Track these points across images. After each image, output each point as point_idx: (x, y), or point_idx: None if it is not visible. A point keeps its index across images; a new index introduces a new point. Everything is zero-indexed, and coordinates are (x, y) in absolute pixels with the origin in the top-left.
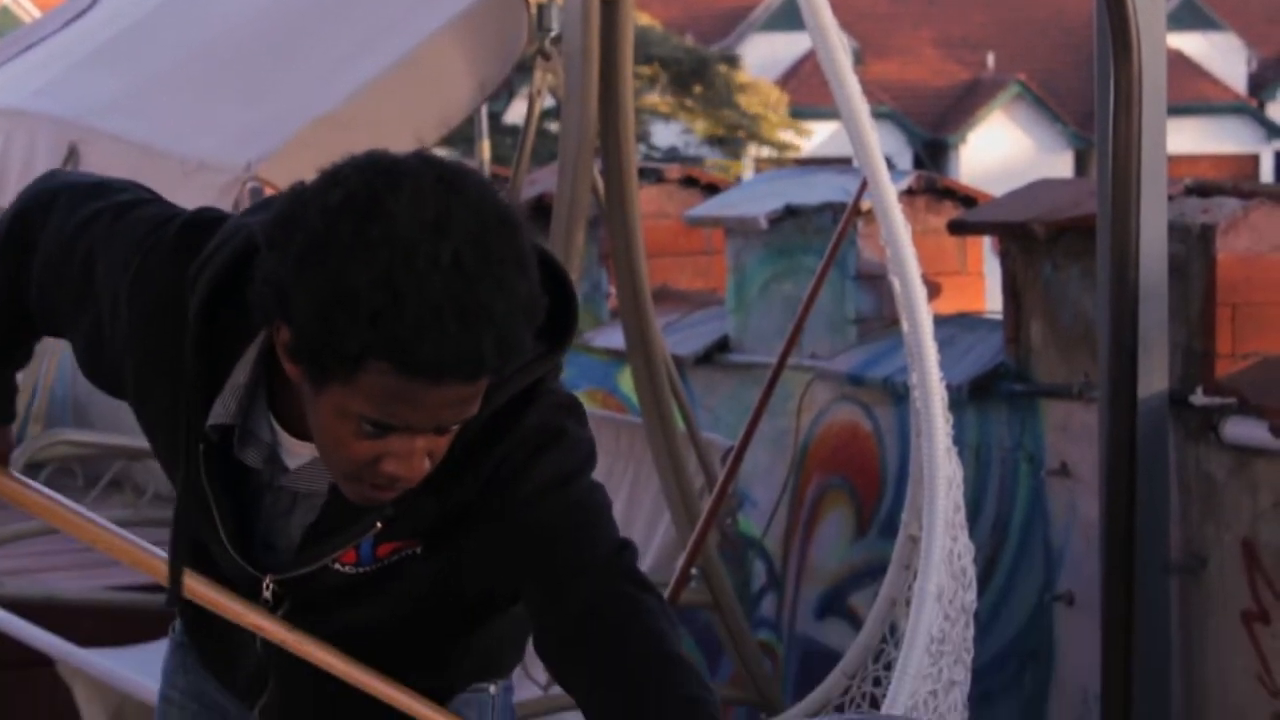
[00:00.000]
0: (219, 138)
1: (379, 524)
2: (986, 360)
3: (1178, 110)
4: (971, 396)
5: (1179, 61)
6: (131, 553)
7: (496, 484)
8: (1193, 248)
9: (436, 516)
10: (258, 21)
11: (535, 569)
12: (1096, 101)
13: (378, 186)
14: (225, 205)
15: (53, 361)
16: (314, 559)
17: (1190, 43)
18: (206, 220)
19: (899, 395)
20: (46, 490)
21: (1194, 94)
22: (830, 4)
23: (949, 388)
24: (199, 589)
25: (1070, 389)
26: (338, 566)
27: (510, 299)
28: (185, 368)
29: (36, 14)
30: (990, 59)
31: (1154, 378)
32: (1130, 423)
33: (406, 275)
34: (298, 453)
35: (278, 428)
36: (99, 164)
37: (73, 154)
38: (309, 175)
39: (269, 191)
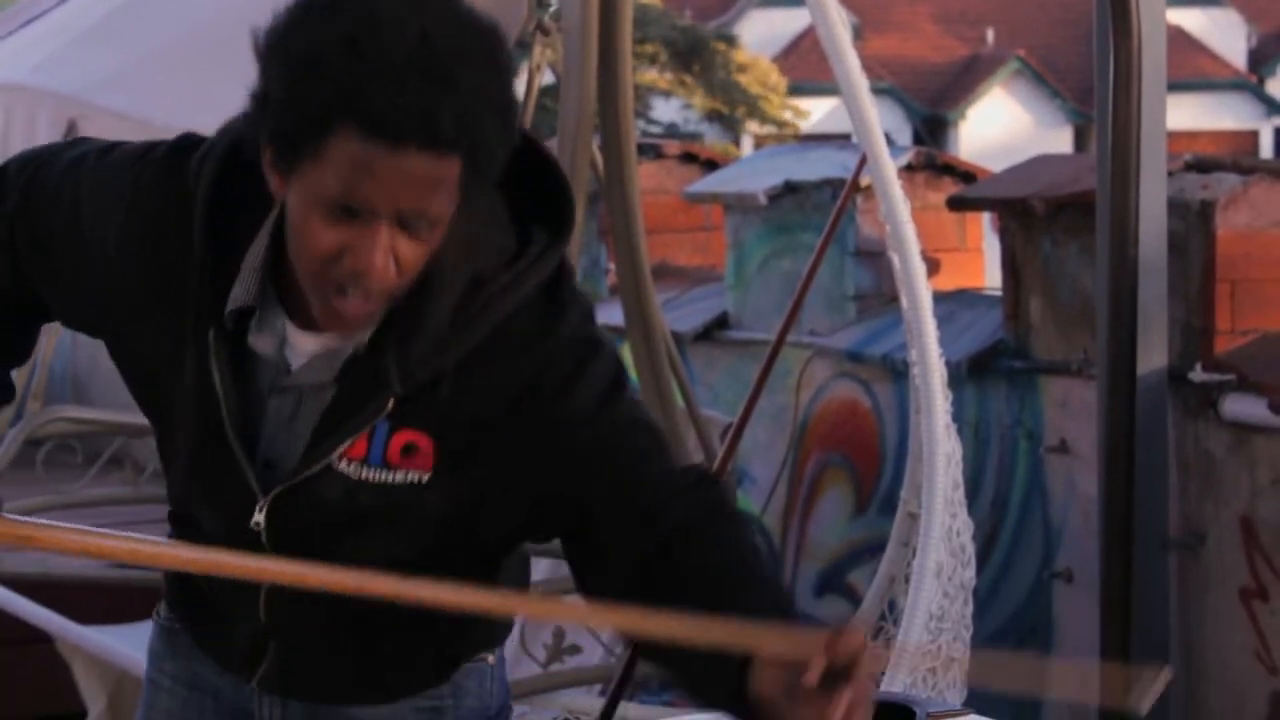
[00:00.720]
0: (217, 114)
1: (390, 402)
2: (985, 337)
3: (1177, 86)
4: (971, 373)
5: (1178, 37)
6: (142, 551)
7: (542, 397)
8: (1192, 224)
9: (454, 411)
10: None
11: (600, 480)
12: (1096, 78)
13: None
14: None
15: (51, 339)
16: (323, 453)
17: (1190, 18)
18: (192, 138)
19: (898, 372)
20: (40, 521)
21: (1193, 70)
22: None
23: (948, 364)
24: (188, 554)
25: (1069, 365)
26: (343, 467)
27: (477, 76)
28: (195, 257)
29: None
30: (990, 34)
31: (1153, 354)
32: (1129, 399)
33: (371, 38)
34: (305, 348)
35: (287, 322)
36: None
37: (72, 129)
38: None
39: None
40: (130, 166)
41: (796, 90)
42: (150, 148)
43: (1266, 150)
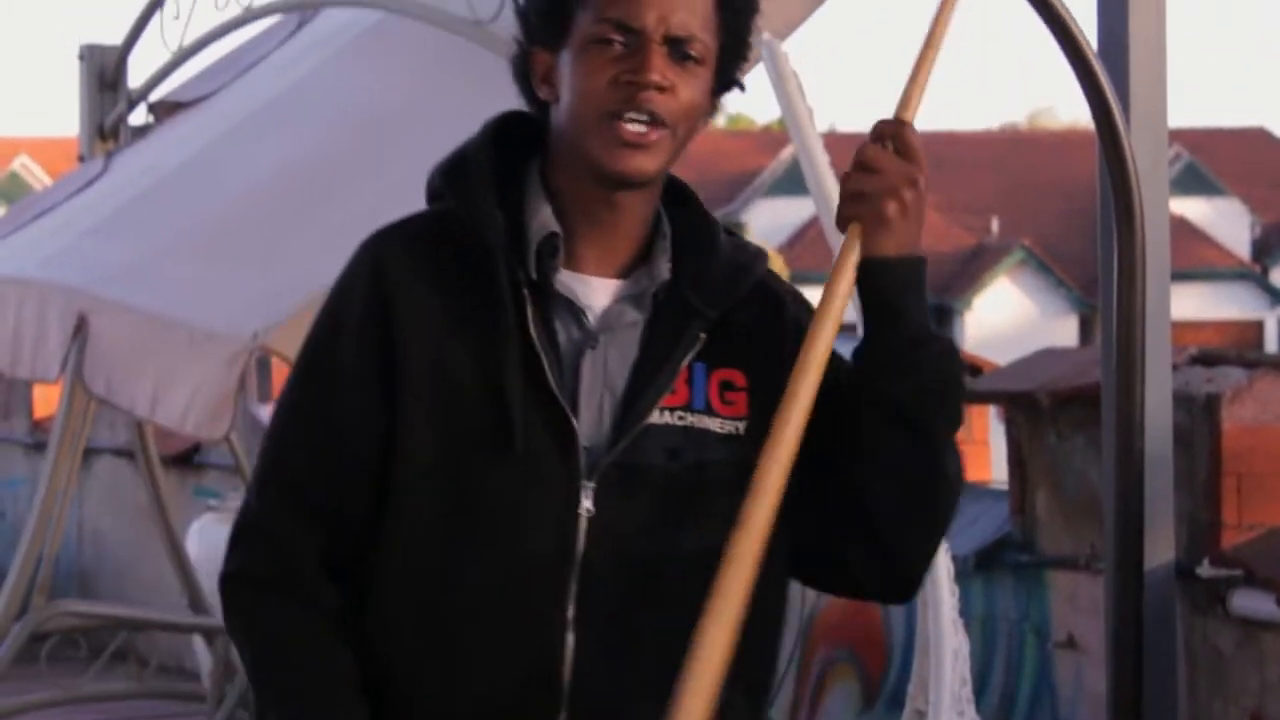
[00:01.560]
0: (226, 308)
1: (702, 336)
2: (992, 530)
3: (1181, 276)
4: (977, 567)
5: (1182, 227)
6: None
7: (800, 328)
8: (1198, 417)
9: (755, 344)
10: (263, 193)
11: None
12: (1100, 269)
13: None
14: (233, 375)
15: (57, 532)
16: (645, 404)
17: (1194, 208)
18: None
19: None
20: None
21: (1198, 260)
22: (833, 170)
23: (955, 558)
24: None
25: (1076, 560)
26: (664, 419)
27: None
28: (489, 232)
29: (46, 180)
30: (995, 224)
31: (1160, 549)
32: (1137, 594)
33: None
34: (598, 298)
35: (576, 274)
36: (108, 333)
37: (82, 324)
38: None
39: (276, 361)
40: (353, 276)
41: (801, 279)
42: (352, 263)
43: (1271, 340)
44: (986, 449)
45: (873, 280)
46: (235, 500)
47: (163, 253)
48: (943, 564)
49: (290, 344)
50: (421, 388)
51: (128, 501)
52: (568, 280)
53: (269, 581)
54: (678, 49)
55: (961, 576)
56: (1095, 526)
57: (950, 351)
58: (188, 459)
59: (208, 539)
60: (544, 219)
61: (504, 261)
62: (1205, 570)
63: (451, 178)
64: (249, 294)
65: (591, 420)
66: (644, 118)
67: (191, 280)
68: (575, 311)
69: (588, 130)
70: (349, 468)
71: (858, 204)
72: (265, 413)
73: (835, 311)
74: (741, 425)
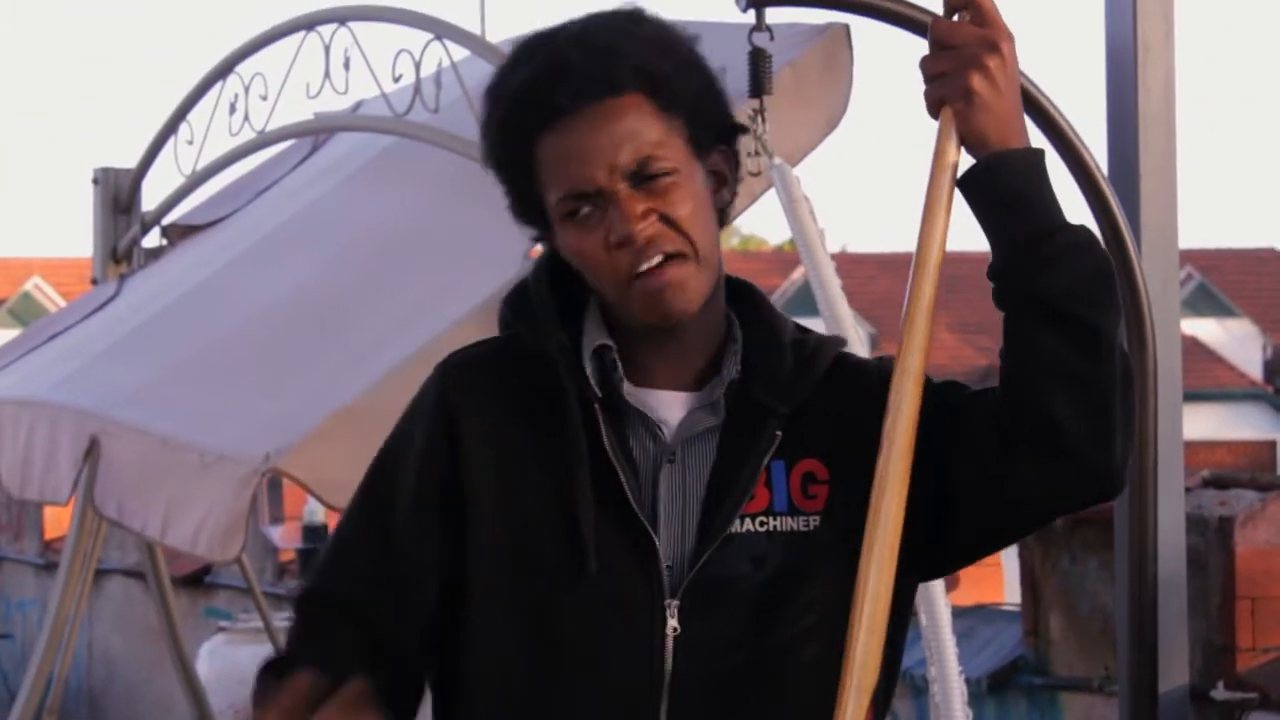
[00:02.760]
0: (239, 430)
1: (779, 433)
2: (1005, 653)
3: (1193, 396)
4: (991, 689)
5: (1194, 348)
6: None
7: (879, 403)
8: (1211, 540)
9: (832, 431)
10: (277, 316)
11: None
12: None
13: None
14: (244, 497)
15: (68, 653)
16: (726, 513)
17: (1205, 329)
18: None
19: (918, 688)
20: None
21: (1210, 380)
22: (845, 291)
23: (967, 681)
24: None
25: (1090, 682)
26: (746, 528)
27: (615, 30)
28: (555, 351)
29: (59, 300)
30: None
31: (1175, 672)
32: (1151, 718)
33: (518, 53)
34: (668, 410)
35: (640, 388)
36: (120, 455)
37: (94, 446)
38: (328, 468)
39: (286, 483)
40: (422, 399)
41: None
42: (423, 387)
43: None
44: (999, 570)
45: (988, 174)
46: (246, 621)
47: (175, 375)
48: (955, 686)
49: (302, 466)
50: (491, 515)
51: (138, 622)
52: (641, 396)
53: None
54: (641, 179)
55: (975, 699)
56: (1109, 649)
57: (1090, 239)
58: (198, 580)
59: (218, 660)
60: (595, 338)
61: (571, 379)
62: (1220, 693)
63: (515, 304)
64: (261, 416)
65: (673, 535)
66: (656, 263)
67: (204, 403)
68: (650, 426)
69: (617, 296)
70: (404, 588)
71: (940, 86)
72: (276, 534)
73: (942, 205)
74: (816, 519)
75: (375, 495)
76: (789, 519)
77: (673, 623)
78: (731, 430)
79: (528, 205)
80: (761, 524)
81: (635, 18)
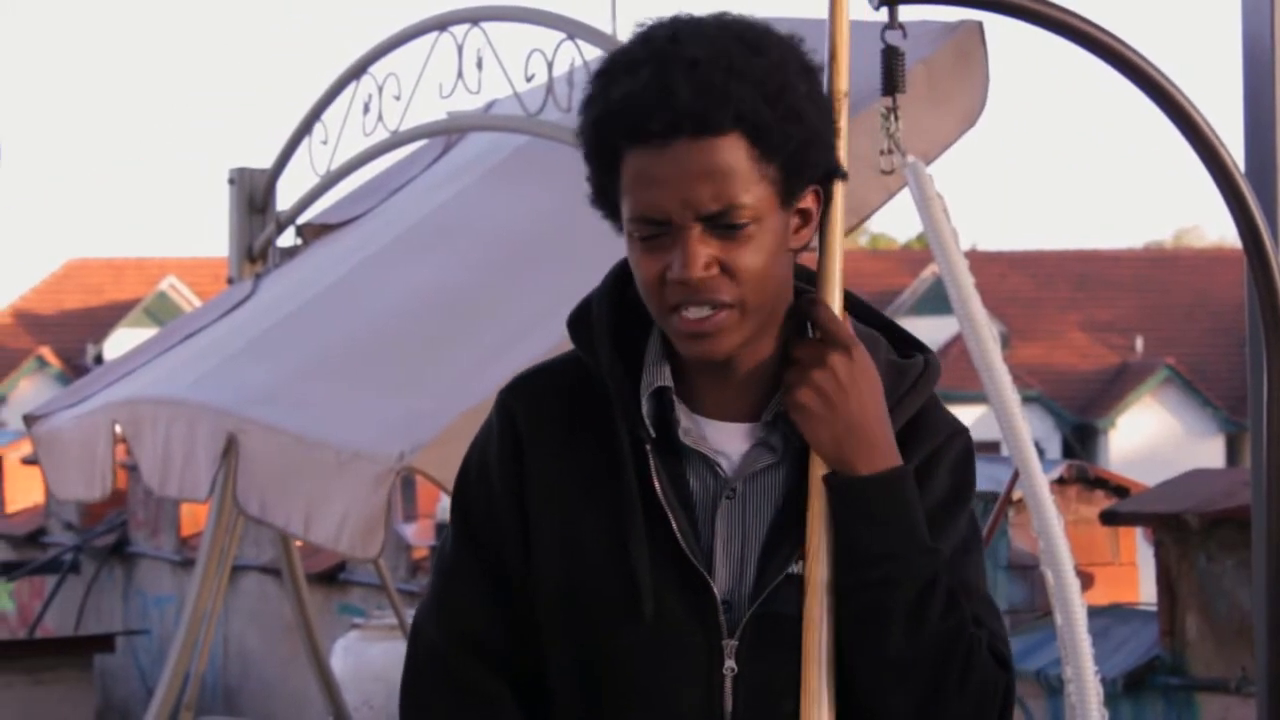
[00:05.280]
0: (373, 429)
1: None
2: (1141, 653)
3: None
4: (1126, 690)
5: None
6: None
7: (934, 465)
8: None
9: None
10: (410, 315)
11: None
12: (1249, 390)
13: None
14: (380, 495)
15: (204, 649)
16: (787, 551)
17: None
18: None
19: (1053, 688)
20: None
21: None
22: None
23: (1103, 681)
24: None
25: (1228, 683)
26: (801, 568)
27: (722, 54)
28: (609, 385)
29: (194, 300)
30: (1139, 342)
31: None
32: None
33: (619, 55)
34: (728, 443)
35: (699, 418)
36: (257, 453)
37: (231, 444)
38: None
39: (421, 481)
40: (491, 426)
41: (946, 398)
42: (491, 412)
43: None
44: (1135, 570)
45: (827, 490)
46: (380, 618)
47: (310, 374)
48: (1092, 687)
49: (436, 464)
50: (551, 547)
51: (273, 618)
52: (699, 428)
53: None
54: (719, 225)
55: (1110, 699)
56: (1246, 649)
57: (895, 579)
58: (333, 576)
59: (353, 656)
60: (656, 373)
61: (624, 419)
62: None
63: (576, 328)
64: (395, 415)
65: (731, 573)
66: (704, 311)
67: (338, 401)
68: (709, 462)
69: (659, 319)
70: (520, 620)
71: (783, 398)
72: (409, 532)
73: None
74: None
75: (465, 524)
76: None
77: (730, 663)
78: (795, 468)
79: (606, 201)
80: None
81: (757, 46)
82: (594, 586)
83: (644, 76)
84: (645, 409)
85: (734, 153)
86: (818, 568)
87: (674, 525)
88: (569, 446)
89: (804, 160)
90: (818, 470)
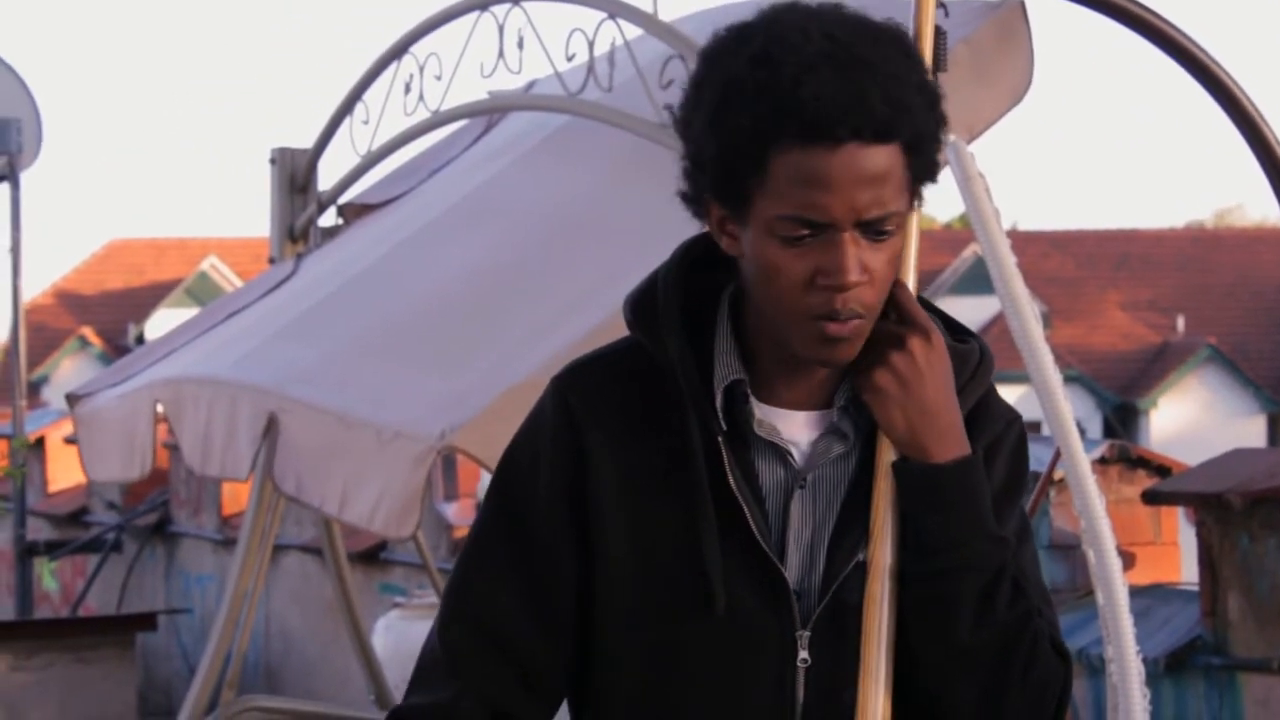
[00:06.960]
0: (414, 408)
1: None
2: (1183, 633)
3: None
4: (1168, 670)
5: None
6: None
7: (994, 456)
8: None
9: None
10: (451, 294)
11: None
12: None
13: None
14: (420, 474)
15: (246, 627)
16: (855, 539)
17: None
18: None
19: (1094, 668)
20: None
21: None
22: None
23: (1144, 661)
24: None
25: (1270, 663)
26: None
27: (891, 60)
28: (679, 379)
29: (235, 280)
30: (1180, 322)
31: None
32: None
33: (781, 48)
34: (797, 432)
35: (768, 407)
36: (298, 432)
37: (272, 423)
38: (502, 445)
39: (461, 460)
40: (544, 417)
41: None
42: (543, 401)
43: None
44: (1176, 549)
45: (896, 476)
46: (421, 597)
47: (351, 353)
48: (1133, 666)
49: (477, 443)
50: (619, 538)
51: (315, 597)
52: (768, 417)
53: None
54: (871, 230)
55: (1152, 679)
56: None
57: (964, 567)
58: (374, 556)
59: (394, 635)
60: (729, 364)
61: (696, 410)
62: None
63: (640, 314)
64: (436, 394)
65: (802, 563)
66: (851, 326)
67: (379, 380)
68: (780, 452)
69: (789, 323)
70: (540, 605)
71: (856, 378)
72: (450, 511)
73: (887, 502)
74: None
75: (507, 512)
76: None
77: (803, 654)
78: (865, 455)
79: (729, 188)
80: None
81: (907, 50)
82: (665, 580)
83: (827, 76)
84: (718, 400)
85: (894, 160)
86: (881, 550)
87: (749, 518)
88: (634, 436)
89: (934, 166)
90: (885, 454)
